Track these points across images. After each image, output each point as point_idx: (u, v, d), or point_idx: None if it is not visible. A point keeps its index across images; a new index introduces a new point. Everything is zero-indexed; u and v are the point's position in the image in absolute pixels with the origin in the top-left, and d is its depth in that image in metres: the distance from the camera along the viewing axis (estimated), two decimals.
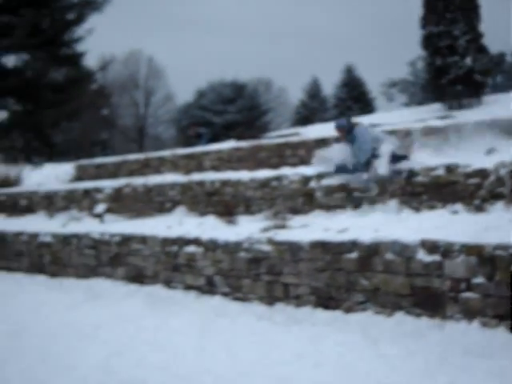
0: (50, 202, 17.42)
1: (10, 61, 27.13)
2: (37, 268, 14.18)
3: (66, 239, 13.46)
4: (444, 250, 7.68)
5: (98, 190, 16.00)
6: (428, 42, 27.52)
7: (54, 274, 13.64)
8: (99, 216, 14.69)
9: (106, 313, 10.37)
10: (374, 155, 11.05)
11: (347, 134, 11.43)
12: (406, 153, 11.23)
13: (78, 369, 7.58)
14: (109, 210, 14.96)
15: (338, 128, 11.64)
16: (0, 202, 19.31)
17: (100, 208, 14.99)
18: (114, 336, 8.93)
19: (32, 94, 25.49)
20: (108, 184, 16.20)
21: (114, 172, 19.98)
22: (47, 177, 26.39)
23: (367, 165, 11.05)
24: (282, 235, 9.77)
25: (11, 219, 17.44)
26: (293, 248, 9.33)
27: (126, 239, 12.16)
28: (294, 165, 14.12)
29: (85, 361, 7.86)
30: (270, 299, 9.60)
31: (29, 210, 17.98)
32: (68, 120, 28.83)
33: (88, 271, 12.89)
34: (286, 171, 12.44)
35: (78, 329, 9.46)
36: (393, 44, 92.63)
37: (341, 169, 11.41)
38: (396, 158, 11.00)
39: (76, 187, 17.15)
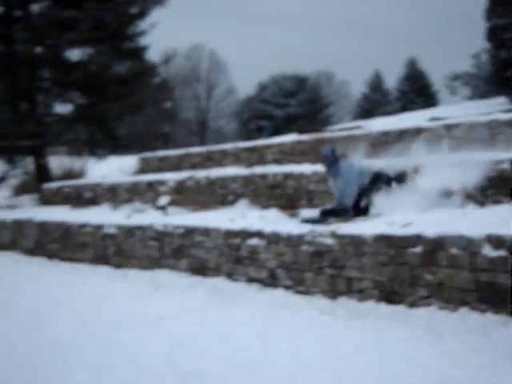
0: (113, 194, 17.65)
1: (75, 55, 27.47)
2: (101, 259, 14.37)
3: (130, 231, 13.61)
4: (510, 244, 7.55)
5: (162, 183, 16.15)
6: (493, 34, 27.12)
7: (118, 265, 13.81)
8: (162, 208, 14.83)
9: (170, 304, 10.47)
10: (362, 192, 10.89)
11: (330, 165, 11.15)
12: (404, 174, 10.99)
13: (141, 359, 7.67)
14: (172, 203, 15.09)
15: (321, 157, 11.44)
16: (65, 194, 19.63)
17: (163, 200, 15.14)
18: (177, 327, 9.01)
19: (96, 87, 25.72)
20: (171, 176, 16.33)
21: (176, 165, 20.12)
22: (111, 169, 26.78)
23: (355, 207, 10.88)
24: (345, 229, 9.71)
25: (76, 211, 17.70)
26: (356, 242, 9.28)
27: (189, 231, 12.24)
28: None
29: (148, 352, 7.95)
30: (333, 293, 9.56)
31: (93, 201, 18.24)
32: (131, 113, 29.07)
33: (152, 263, 13.02)
34: None
35: (142, 319, 9.56)
36: (456, 36, 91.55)
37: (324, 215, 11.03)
38: (392, 182, 10.84)
39: (139, 179, 17.33)
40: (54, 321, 10.07)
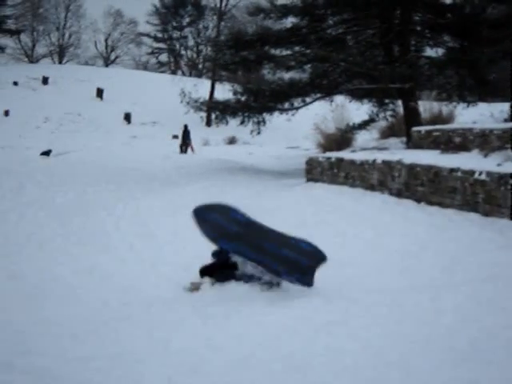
0: (483, 141, 17.23)
1: None
2: (468, 206, 14.14)
3: (501, 179, 13.22)
4: None
5: None
6: None
7: (486, 214, 13.51)
8: None
9: None
10: None
11: None
12: None
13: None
14: None
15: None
16: (434, 138, 19.59)
17: None
18: None
19: (469, 30, 25.19)
20: None
21: None
22: (480, 115, 26.23)
23: None
24: None
25: (444, 155, 17.59)
26: None
27: None
28: None
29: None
30: None
31: (462, 147, 17.95)
32: (504, 58, 28.10)
33: None
34: None
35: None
36: None
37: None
38: None
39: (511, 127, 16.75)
40: (422, 264, 10.33)
